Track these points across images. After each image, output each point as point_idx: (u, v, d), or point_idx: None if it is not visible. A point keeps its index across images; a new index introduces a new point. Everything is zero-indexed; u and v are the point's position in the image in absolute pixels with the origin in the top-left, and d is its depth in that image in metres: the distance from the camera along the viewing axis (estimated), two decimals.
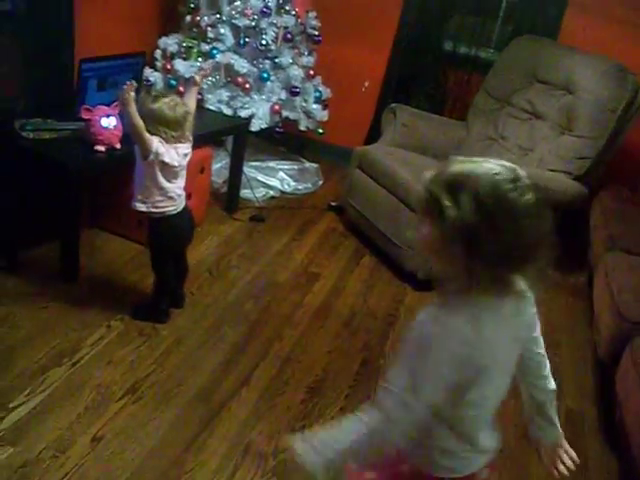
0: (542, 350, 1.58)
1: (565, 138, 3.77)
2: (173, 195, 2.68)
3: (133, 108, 2.48)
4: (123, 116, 2.78)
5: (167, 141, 2.57)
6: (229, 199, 4.08)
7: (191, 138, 2.68)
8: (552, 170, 3.66)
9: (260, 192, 4.31)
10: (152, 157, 2.54)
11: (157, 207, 2.67)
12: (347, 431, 1.34)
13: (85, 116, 2.93)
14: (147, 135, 2.50)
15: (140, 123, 2.48)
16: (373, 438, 1.31)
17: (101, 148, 2.95)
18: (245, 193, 4.20)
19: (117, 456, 2.19)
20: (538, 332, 1.53)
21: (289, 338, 2.97)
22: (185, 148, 2.66)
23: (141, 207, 2.67)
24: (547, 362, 1.60)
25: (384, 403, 1.29)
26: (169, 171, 2.62)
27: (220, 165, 4.26)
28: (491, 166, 1.28)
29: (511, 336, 1.38)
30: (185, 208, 2.78)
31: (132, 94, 2.47)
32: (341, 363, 2.88)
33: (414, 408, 1.27)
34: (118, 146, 3.00)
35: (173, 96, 2.65)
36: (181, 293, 3.02)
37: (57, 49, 3.33)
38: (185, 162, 2.68)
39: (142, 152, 2.54)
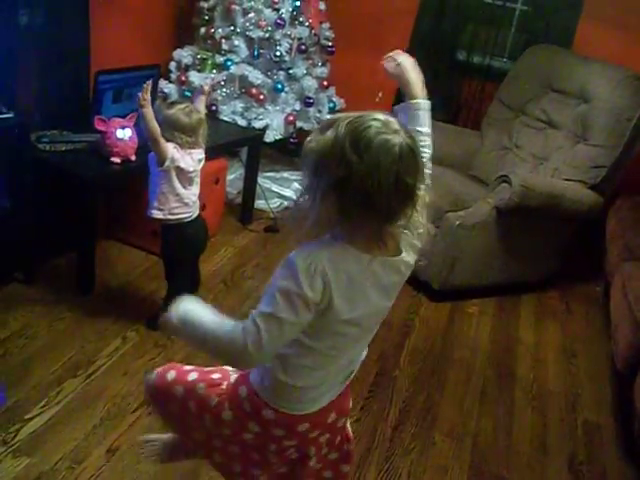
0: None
1: (580, 147, 3.74)
2: (188, 201, 2.70)
3: (150, 111, 2.50)
4: (139, 126, 2.81)
5: (182, 147, 2.60)
6: (244, 210, 4.09)
7: (204, 145, 2.71)
8: (567, 179, 3.64)
9: (274, 203, 4.31)
10: (168, 163, 2.56)
11: (173, 214, 2.68)
12: (220, 322, 1.41)
13: (100, 128, 2.94)
14: (163, 140, 2.53)
15: (157, 127, 2.50)
16: (233, 344, 1.34)
17: (116, 160, 2.97)
18: (260, 204, 4.21)
19: (132, 468, 2.19)
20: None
21: None
22: (199, 153, 2.69)
23: (158, 214, 2.68)
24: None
25: (259, 324, 1.31)
26: (185, 177, 2.64)
27: (234, 176, 4.27)
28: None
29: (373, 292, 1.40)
30: (199, 216, 2.79)
31: (149, 96, 2.50)
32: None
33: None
34: (133, 158, 3.01)
35: (188, 103, 2.68)
36: None
37: (73, 61, 3.35)
38: (199, 167, 2.71)
39: (158, 158, 2.56)
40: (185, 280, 2.88)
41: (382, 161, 1.23)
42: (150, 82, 2.52)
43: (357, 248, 1.31)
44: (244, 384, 1.56)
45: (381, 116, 1.28)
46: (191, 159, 2.64)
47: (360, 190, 1.23)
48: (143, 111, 2.49)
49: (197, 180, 2.73)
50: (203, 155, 2.72)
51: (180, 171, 2.61)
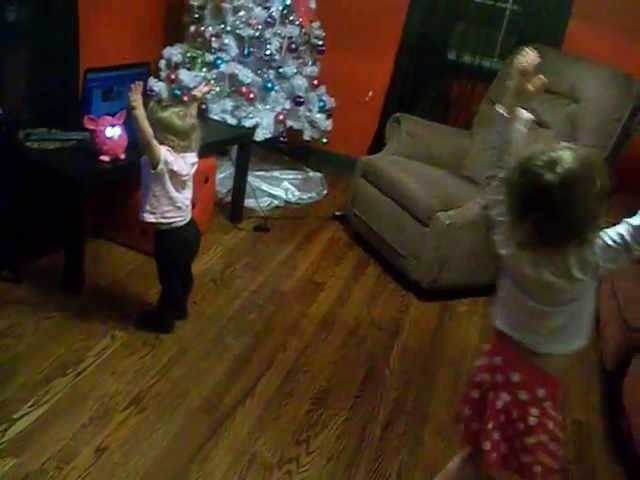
0: None
1: None
2: (181, 205, 2.68)
3: (142, 112, 2.48)
4: (129, 125, 2.79)
5: (174, 150, 2.57)
6: (233, 209, 4.08)
7: (196, 150, 2.69)
8: None
9: (264, 202, 4.31)
10: (162, 165, 2.54)
11: (166, 217, 2.66)
12: None
13: (89, 126, 2.93)
14: (156, 142, 2.51)
15: (149, 129, 2.49)
16: None
17: (105, 158, 2.95)
18: (249, 203, 4.20)
19: (121, 467, 2.17)
20: None
21: (294, 348, 2.96)
22: (192, 157, 2.66)
23: (150, 218, 2.66)
24: None
25: None
26: (178, 180, 2.63)
27: (224, 175, 4.26)
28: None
29: None
30: (192, 219, 2.78)
31: (140, 97, 2.47)
32: (346, 373, 2.86)
33: None
34: (122, 156, 3.00)
35: (182, 107, 2.65)
36: (186, 305, 3.01)
37: (62, 59, 3.34)
38: (192, 171, 2.69)
39: (151, 161, 2.54)
40: (177, 283, 2.88)
41: None
42: (140, 82, 2.51)
43: None
44: None
45: None
46: (184, 163, 2.62)
47: None
48: (135, 113, 2.47)
49: (190, 184, 2.71)
50: (196, 159, 2.70)
51: (173, 174, 2.59)
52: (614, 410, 2.84)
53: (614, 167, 3.82)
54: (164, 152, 2.54)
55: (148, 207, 2.64)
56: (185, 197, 2.69)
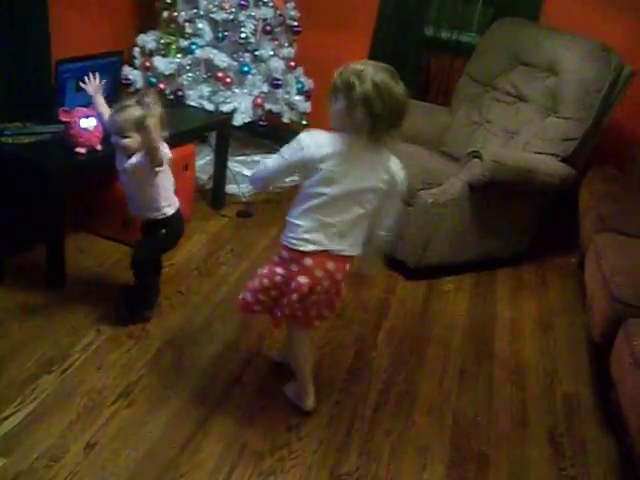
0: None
1: (551, 120, 3.74)
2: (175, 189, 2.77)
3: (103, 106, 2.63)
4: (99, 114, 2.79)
5: None
6: (215, 195, 4.05)
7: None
8: (539, 152, 3.64)
9: (246, 187, 4.27)
10: (167, 159, 2.59)
11: (175, 203, 2.75)
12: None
13: (64, 118, 2.88)
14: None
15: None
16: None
17: (82, 150, 2.91)
18: (231, 188, 4.17)
19: (111, 462, 2.16)
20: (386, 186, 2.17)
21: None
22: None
23: (170, 210, 2.72)
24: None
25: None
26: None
27: (204, 161, 4.22)
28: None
29: (364, 173, 2.12)
30: None
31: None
32: (334, 357, 2.86)
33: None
34: (99, 147, 2.95)
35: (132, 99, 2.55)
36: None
37: (33, 51, 3.28)
38: None
39: (158, 161, 2.52)
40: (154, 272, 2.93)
41: None
42: (97, 76, 2.58)
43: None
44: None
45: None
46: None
47: None
48: (147, 121, 2.42)
49: None
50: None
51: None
52: (603, 381, 2.86)
53: (596, 139, 3.83)
54: (165, 147, 2.56)
55: (164, 202, 2.68)
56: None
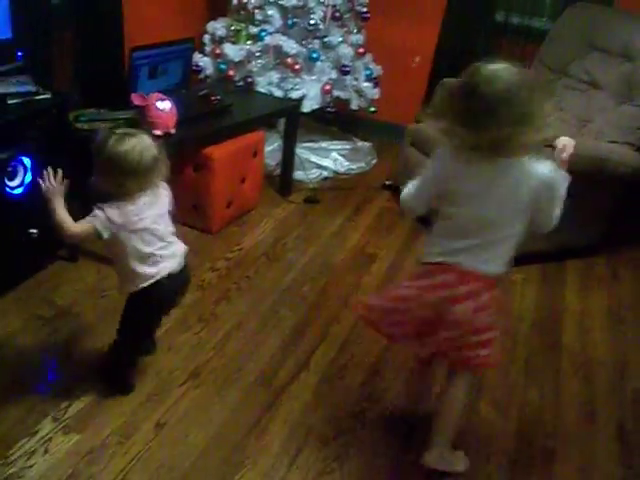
0: None
1: (625, 108, 3.63)
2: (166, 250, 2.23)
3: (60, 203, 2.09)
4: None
5: (132, 196, 2.10)
6: (283, 181, 4.08)
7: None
8: (612, 141, 3.53)
9: (313, 173, 4.29)
10: (107, 232, 2.08)
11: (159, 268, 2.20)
12: None
13: (138, 103, 2.95)
14: (79, 225, 2.09)
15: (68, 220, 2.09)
16: None
17: (158, 132, 2.96)
18: (299, 175, 4.19)
19: (180, 441, 2.22)
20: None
21: (347, 320, 2.96)
22: (163, 188, 2.22)
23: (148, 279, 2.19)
24: None
25: None
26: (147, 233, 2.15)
27: (272, 148, 4.25)
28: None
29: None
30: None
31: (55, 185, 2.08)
32: (397, 347, 2.85)
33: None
34: (173, 131, 3.02)
35: (140, 135, 2.11)
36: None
37: (107, 39, 3.36)
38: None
39: (91, 236, 2.11)
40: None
41: None
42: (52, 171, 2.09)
43: None
44: None
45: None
46: (153, 207, 2.16)
47: None
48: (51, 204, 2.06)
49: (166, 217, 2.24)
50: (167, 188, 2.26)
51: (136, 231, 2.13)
52: None
53: None
54: (100, 218, 2.06)
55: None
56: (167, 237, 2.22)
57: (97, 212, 2.06)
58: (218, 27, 4.16)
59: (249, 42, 4.04)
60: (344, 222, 3.86)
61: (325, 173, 4.36)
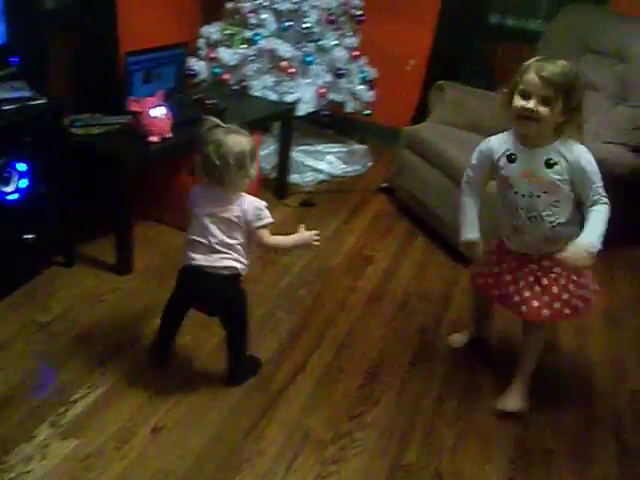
0: None
1: (620, 109, 3.64)
2: None
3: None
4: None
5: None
6: (278, 185, 4.08)
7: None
8: (608, 142, 3.54)
9: (309, 177, 4.29)
10: None
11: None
12: None
13: (134, 108, 2.95)
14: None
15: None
16: None
17: (154, 138, 2.97)
18: (294, 178, 4.20)
19: (177, 446, 2.21)
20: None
21: (344, 323, 2.96)
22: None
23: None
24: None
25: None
26: None
27: (268, 151, 4.25)
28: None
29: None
30: None
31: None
32: (397, 347, 2.85)
33: None
34: (169, 135, 3.03)
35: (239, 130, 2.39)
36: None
37: (102, 44, 3.36)
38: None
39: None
40: None
41: None
42: None
43: None
44: None
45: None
46: None
47: None
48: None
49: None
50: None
51: None
52: None
53: None
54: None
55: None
56: None
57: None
58: (213, 31, 4.16)
59: (243, 46, 4.04)
60: (340, 225, 3.86)
61: (321, 176, 4.37)
